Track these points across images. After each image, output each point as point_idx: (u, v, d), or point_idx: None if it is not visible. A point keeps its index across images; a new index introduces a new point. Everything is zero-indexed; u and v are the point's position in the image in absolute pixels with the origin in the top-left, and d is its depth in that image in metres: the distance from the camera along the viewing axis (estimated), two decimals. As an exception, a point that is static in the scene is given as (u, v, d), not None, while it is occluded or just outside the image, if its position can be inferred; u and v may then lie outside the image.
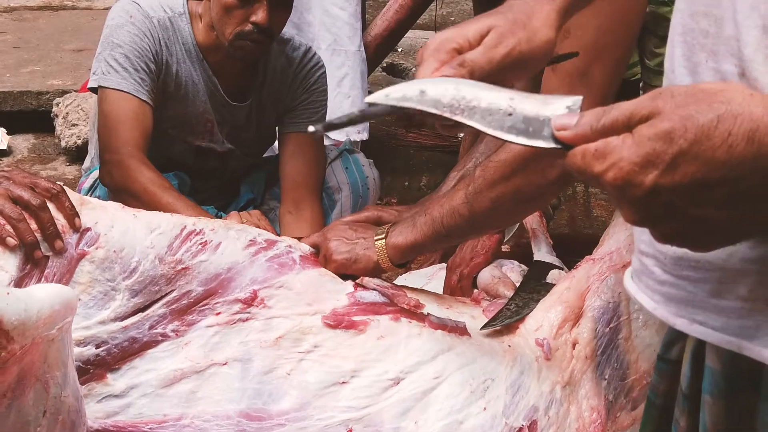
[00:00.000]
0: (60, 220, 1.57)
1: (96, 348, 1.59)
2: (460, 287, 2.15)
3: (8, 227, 1.51)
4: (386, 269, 1.83)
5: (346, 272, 1.82)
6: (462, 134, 3.79)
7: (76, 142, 3.96)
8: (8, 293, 1.15)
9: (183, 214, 2.06)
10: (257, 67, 2.53)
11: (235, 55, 2.39)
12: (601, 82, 1.60)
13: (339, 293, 1.74)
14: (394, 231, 1.81)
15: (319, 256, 1.84)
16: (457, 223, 1.72)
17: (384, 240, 1.80)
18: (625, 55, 1.64)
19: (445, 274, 2.24)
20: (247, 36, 2.33)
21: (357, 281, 1.81)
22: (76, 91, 4.15)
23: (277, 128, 2.70)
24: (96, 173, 2.56)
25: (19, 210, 1.53)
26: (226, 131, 2.57)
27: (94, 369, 1.59)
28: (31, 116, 4.23)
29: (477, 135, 3.30)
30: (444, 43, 1.15)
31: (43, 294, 1.23)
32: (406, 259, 1.83)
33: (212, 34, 2.41)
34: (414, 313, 1.76)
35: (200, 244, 1.66)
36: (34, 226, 1.53)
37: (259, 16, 2.30)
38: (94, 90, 2.42)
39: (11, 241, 1.50)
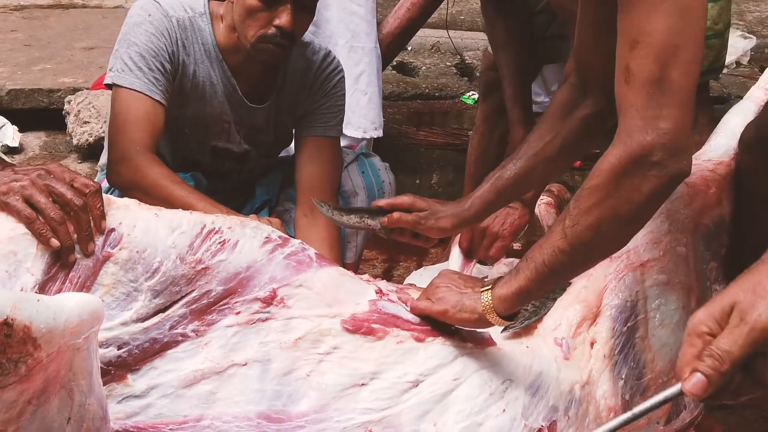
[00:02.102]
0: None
1: (117, 349, 1.59)
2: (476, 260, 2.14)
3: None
4: (493, 323, 1.74)
5: (449, 320, 1.76)
6: (470, 132, 3.79)
7: (87, 140, 3.96)
8: (38, 300, 1.15)
9: (197, 207, 2.06)
10: (277, 70, 2.52)
11: (256, 58, 2.37)
12: (679, 86, 1.55)
13: (360, 296, 1.74)
14: (499, 282, 1.73)
15: (423, 298, 1.80)
16: (559, 259, 1.65)
17: (490, 292, 1.73)
18: (697, 54, 1.58)
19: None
20: (270, 39, 2.32)
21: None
22: (87, 88, 4.15)
23: (293, 131, 2.69)
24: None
25: (61, 213, 1.53)
26: (244, 132, 2.57)
27: (115, 370, 1.59)
28: (43, 114, 4.24)
29: (485, 133, 3.31)
30: (696, 326, 1.21)
31: (72, 303, 1.23)
32: (514, 309, 1.74)
33: (233, 35, 2.40)
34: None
35: (219, 243, 1.66)
36: (69, 227, 1.54)
37: (283, 19, 2.28)
38: (110, 86, 2.42)
39: (55, 242, 1.51)
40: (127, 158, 2.26)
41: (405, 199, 2.05)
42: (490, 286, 1.73)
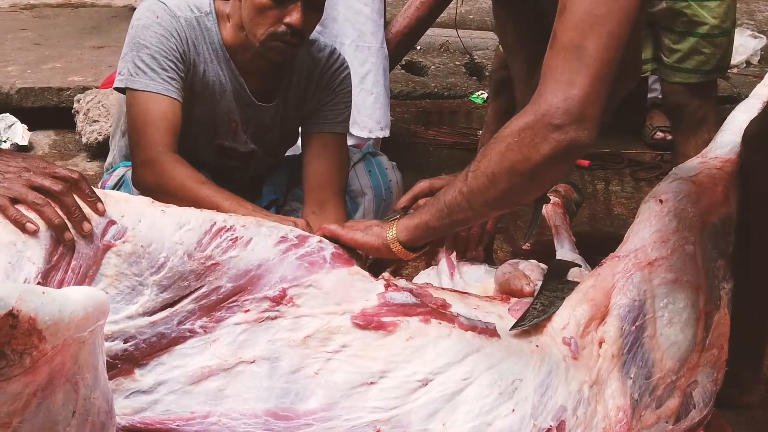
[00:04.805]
0: (84, 209, 1.59)
1: (124, 343, 1.60)
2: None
3: (29, 214, 1.52)
4: (396, 252, 1.84)
5: (357, 246, 1.85)
6: (479, 131, 3.78)
7: (96, 139, 3.97)
8: (44, 292, 1.15)
9: (223, 206, 2.06)
10: (283, 68, 2.52)
11: (265, 56, 2.37)
12: (595, 57, 1.58)
13: (369, 293, 1.74)
14: (407, 215, 1.85)
15: (334, 227, 1.88)
16: (458, 201, 1.74)
17: (397, 223, 1.84)
18: (620, 29, 1.60)
19: (467, 279, 2.23)
20: (280, 37, 2.32)
21: (386, 276, 1.81)
22: (96, 87, 4.16)
23: (300, 129, 2.69)
24: (120, 171, 2.56)
25: (42, 196, 1.54)
26: (251, 131, 2.57)
27: (122, 364, 1.60)
28: (52, 113, 4.25)
29: (495, 132, 3.31)
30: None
31: (77, 296, 1.23)
32: (415, 240, 1.84)
33: (241, 34, 2.40)
34: (444, 314, 1.75)
35: (231, 240, 1.67)
36: (59, 212, 1.55)
37: (294, 17, 2.29)
38: (121, 90, 2.42)
39: (30, 226, 1.51)
40: (150, 161, 2.27)
41: (423, 185, 2.07)
42: (398, 217, 1.86)
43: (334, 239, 1.86)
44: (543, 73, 1.63)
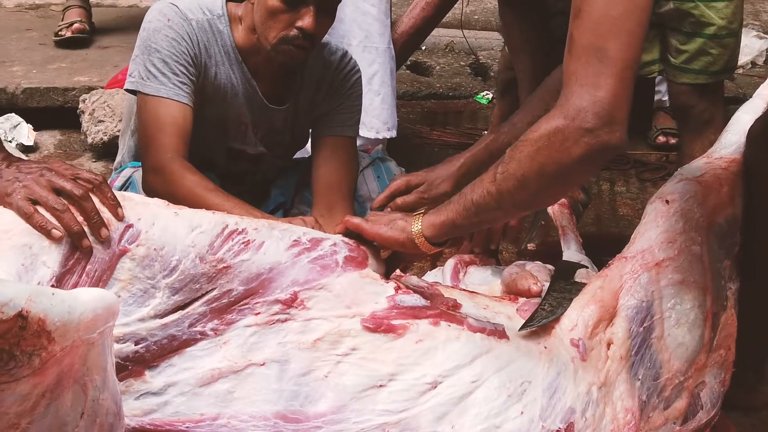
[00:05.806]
0: (104, 212, 1.59)
1: (135, 345, 1.60)
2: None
3: (53, 220, 1.53)
4: (420, 247, 1.84)
5: (381, 240, 1.85)
6: (485, 132, 3.78)
7: (102, 139, 3.96)
8: (53, 294, 1.16)
9: (233, 213, 2.06)
10: (295, 71, 2.52)
11: (276, 59, 2.37)
12: (617, 57, 1.58)
13: (379, 295, 1.74)
14: (432, 210, 1.85)
15: (358, 221, 1.89)
16: (486, 201, 1.74)
17: (422, 217, 1.84)
18: (638, 27, 1.60)
19: (473, 281, 2.24)
20: (292, 41, 2.32)
21: (396, 277, 1.81)
22: (102, 87, 4.15)
23: (310, 131, 2.69)
24: (127, 172, 2.56)
25: (62, 201, 1.55)
26: (261, 134, 2.56)
27: (132, 366, 1.60)
28: (58, 113, 4.24)
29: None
30: None
31: (87, 297, 1.23)
32: (441, 237, 1.84)
33: (253, 36, 2.39)
34: (453, 316, 1.75)
35: (243, 243, 1.67)
36: (79, 218, 1.55)
37: (306, 21, 2.29)
38: (132, 92, 2.42)
39: (56, 233, 1.52)
40: (159, 168, 2.27)
41: (399, 183, 2.09)
42: (422, 212, 1.85)
43: (357, 233, 1.87)
44: (565, 77, 1.62)
